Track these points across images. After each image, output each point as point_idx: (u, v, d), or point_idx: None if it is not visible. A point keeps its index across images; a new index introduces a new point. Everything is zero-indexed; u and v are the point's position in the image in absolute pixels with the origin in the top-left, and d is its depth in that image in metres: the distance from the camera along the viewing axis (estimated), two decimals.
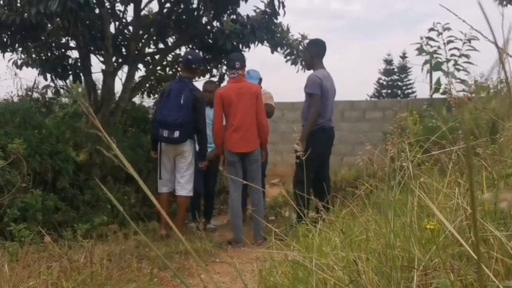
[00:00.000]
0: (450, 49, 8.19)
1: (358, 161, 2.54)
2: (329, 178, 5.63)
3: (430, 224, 1.37)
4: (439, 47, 8.29)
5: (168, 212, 5.56)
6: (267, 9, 7.15)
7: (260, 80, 6.28)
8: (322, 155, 5.36)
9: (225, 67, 7.72)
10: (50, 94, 8.05)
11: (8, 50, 7.09)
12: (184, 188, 5.51)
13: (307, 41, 7.31)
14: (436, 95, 8.44)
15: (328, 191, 4.53)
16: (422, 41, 8.39)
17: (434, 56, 8.33)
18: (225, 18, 7.07)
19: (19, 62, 7.41)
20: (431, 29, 8.29)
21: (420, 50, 8.41)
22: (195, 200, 6.06)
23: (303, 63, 7.07)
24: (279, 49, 7.50)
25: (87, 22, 6.43)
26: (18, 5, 6.13)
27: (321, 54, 5.50)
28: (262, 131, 5.39)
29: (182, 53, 8.14)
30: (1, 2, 6.60)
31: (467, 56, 7.99)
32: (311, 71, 5.49)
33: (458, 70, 8.02)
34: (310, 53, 5.49)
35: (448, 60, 8.15)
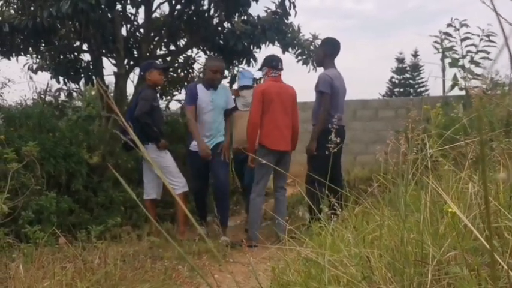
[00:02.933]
0: (467, 45, 8.09)
1: (377, 156, 2.51)
2: (342, 176, 5.60)
3: (450, 208, 1.35)
4: (457, 43, 8.18)
5: (155, 218, 5.56)
6: (277, 9, 7.14)
7: (254, 80, 6.27)
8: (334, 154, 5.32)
9: (237, 68, 7.74)
10: (62, 97, 8.13)
11: (22, 54, 7.16)
12: (173, 187, 5.31)
13: (318, 41, 7.30)
14: (451, 93, 8.35)
15: (341, 189, 4.50)
16: (441, 35, 8.29)
17: (451, 52, 8.22)
18: (235, 19, 7.08)
19: (34, 67, 7.48)
20: (449, 25, 8.18)
21: (438, 46, 8.29)
22: (196, 200, 5.82)
23: (314, 60, 7.05)
24: (290, 49, 7.49)
25: (99, 25, 6.47)
26: (32, 8, 6.19)
27: (335, 54, 5.47)
28: (296, 132, 5.43)
29: (194, 55, 8.18)
30: (15, 7, 6.69)
31: (485, 52, 7.88)
32: (321, 69, 5.48)
33: (475, 66, 7.90)
34: (324, 52, 5.44)
35: (464, 57, 8.05)
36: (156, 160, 5.39)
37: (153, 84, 5.58)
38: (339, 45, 5.49)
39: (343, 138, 5.48)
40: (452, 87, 7.79)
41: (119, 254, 3.83)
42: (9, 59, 7.03)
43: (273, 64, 5.41)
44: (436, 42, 8.22)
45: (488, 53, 7.80)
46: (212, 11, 7.15)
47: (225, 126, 5.67)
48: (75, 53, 7.55)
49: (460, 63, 7.81)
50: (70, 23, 6.08)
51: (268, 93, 5.23)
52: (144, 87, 5.63)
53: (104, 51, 7.29)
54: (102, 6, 5.56)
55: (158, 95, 8.24)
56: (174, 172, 5.47)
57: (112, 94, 7.62)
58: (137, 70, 7.38)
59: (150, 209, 5.56)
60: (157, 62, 6.56)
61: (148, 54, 7.24)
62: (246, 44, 6.98)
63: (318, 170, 4.67)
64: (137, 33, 7.60)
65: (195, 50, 8.03)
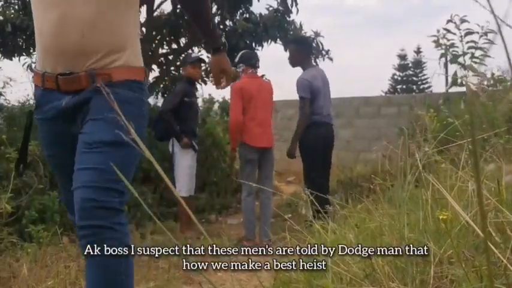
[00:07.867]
0: (467, 42, 8.06)
1: (374, 156, 2.51)
2: (329, 176, 5.44)
3: (442, 214, 1.35)
4: (460, 40, 8.14)
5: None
6: (279, 7, 7.14)
7: None
8: (320, 151, 5.16)
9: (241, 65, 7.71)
10: None
11: (23, 53, 7.18)
12: (179, 189, 5.29)
13: (320, 38, 7.28)
14: (453, 89, 8.32)
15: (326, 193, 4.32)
16: (439, 34, 8.26)
17: (451, 49, 8.19)
18: (237, 17, 7.08)
19: (33, 66, 7.48)
20: (449, 21, 8.15)
21: (437, 43, 8.27)
22: None
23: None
24: None
25: None
26: None
27: (311, 52, 5.48)
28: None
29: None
30: (16, 7, 6.69)
31: (483, 49, 7.85)
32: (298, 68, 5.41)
33: (476, 63, 7.87)
34: (301, 53, 5.28)
35: (464, 54, 8.02)
36: (176, 156, 5.43)
37: (188, 78, 5.56)
38: (312, 43, 5.47)
39: (332, 137, 5.36)
40: (452, 84, 7.77)
41: None
42: (11, 59, 7.04)
43: (252, 62, 5.27)
44: (434, 41, 8.20)
45: (485, 50, 7.77)
46: (214, 9, 7.14)
47: None
48: None
49: (461, 59, 7.78)
50: None
51: (247, 89, 5.14)
52: (182, 81, 5.65)
53: None
54: None
55: (160, 94, 8.30)
56: (184, 174, 5.40)
57: None
58: None
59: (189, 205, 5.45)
60: (192, 55, 6.46)
61: (150, 53, 7.24)
62: (248, 42, 6.98)
63: (313, 165, 4.79)
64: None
65: (196, 48, 8.03)
